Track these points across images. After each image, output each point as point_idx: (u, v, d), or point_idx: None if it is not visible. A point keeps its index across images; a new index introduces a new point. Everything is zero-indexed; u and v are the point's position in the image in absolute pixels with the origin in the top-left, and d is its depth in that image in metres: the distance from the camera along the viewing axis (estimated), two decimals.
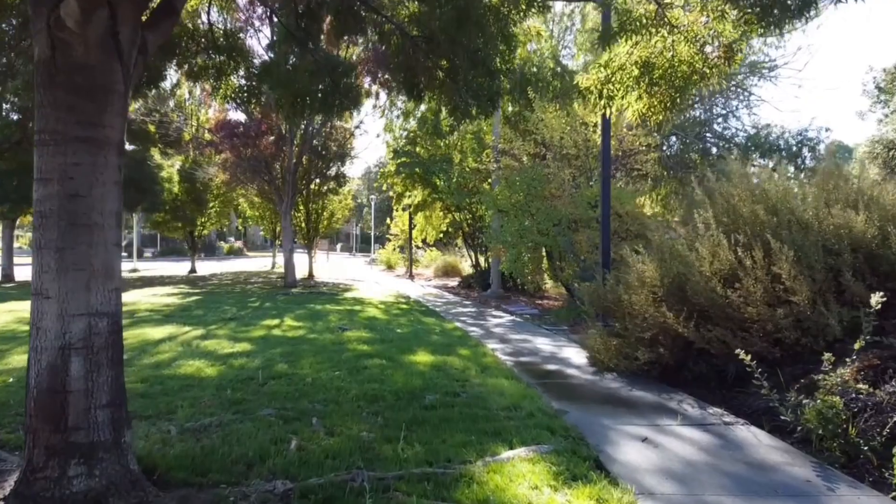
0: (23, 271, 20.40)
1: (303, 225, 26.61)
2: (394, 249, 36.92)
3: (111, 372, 3.14)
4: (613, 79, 5.48)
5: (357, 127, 22.29)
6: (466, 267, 29.98)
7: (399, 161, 19.37)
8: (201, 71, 6.82)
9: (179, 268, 31.58)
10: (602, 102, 5.71)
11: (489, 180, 18.98)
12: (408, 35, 6.08)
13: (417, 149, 19.81)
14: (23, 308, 11.45)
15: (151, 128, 20.61)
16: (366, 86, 12.51)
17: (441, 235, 28.30)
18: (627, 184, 17.22)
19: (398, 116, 20.74)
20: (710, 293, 5.81)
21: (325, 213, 25.66)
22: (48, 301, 3.02)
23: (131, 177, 18.74)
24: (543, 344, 9.15)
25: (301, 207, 26.22)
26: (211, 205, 25.34)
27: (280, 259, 35.08)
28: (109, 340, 3.14)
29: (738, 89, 21.99)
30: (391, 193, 26.83)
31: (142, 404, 4.90)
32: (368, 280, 25.14)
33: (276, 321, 10.60)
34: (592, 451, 3.98)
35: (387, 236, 34.50)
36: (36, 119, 3.14)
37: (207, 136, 19.08)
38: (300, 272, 23.81)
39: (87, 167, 3.08)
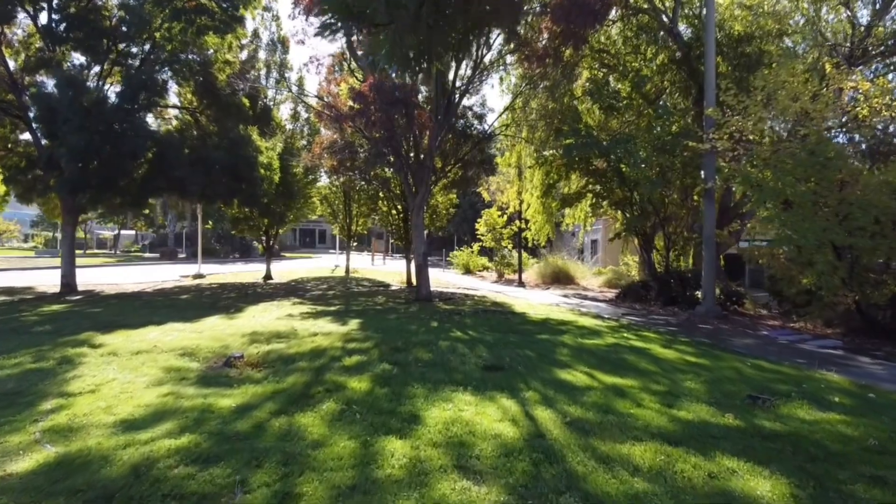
0: (82, 277, 16.41)
1: (399, 224, 22.54)
2: (474, 252, 32.82)
3: None
4: None
5: (482, 104, 18.18)
6: (585, 273, 25.91)
7: (566, 141, 15.17)
8: None
9: (243, 271, 27.77)
10: None
11: (677, 164, 14.85)
12: None
13: (580, 126, 15.62)
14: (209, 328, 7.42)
15: (245, 101, 16.53)
16: None
17: (552, 236, 24.27)
18: None
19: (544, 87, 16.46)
20: None
21: (428, 211, 21.50)
22: None
23: (228, 161, 14.76)
24: None
25: (398, 204, 22.18)
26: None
27: (347, 261, 31.09)
28: None
29: None
30: (504, 187, 22.82)
31: None
32: (482, 289, 21.04)
33: (576, 373, 6.51)
34: None
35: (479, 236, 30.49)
36: None
37: (338, 104, 14.87)
38: (367, 273, 19.85)
39: None
